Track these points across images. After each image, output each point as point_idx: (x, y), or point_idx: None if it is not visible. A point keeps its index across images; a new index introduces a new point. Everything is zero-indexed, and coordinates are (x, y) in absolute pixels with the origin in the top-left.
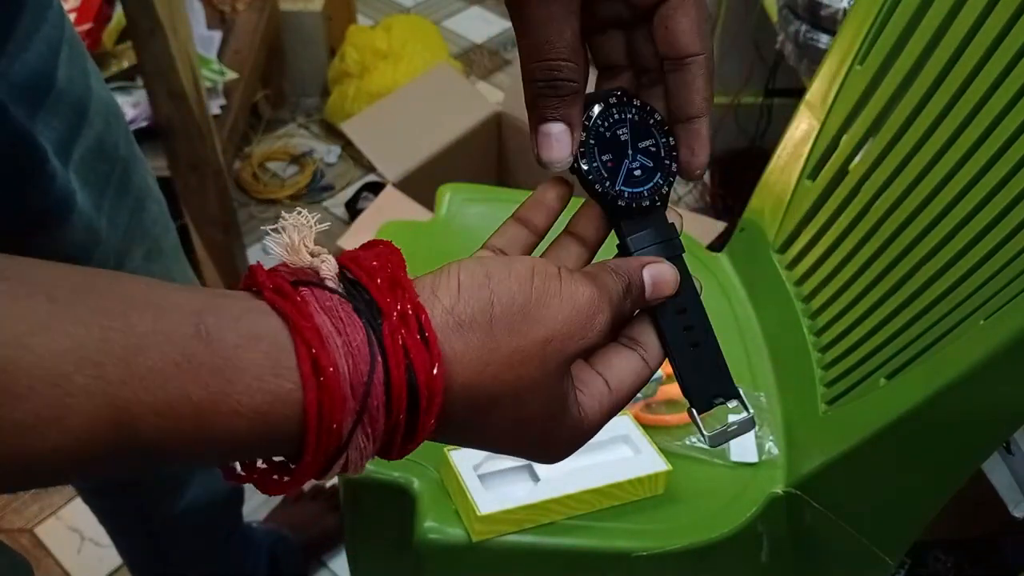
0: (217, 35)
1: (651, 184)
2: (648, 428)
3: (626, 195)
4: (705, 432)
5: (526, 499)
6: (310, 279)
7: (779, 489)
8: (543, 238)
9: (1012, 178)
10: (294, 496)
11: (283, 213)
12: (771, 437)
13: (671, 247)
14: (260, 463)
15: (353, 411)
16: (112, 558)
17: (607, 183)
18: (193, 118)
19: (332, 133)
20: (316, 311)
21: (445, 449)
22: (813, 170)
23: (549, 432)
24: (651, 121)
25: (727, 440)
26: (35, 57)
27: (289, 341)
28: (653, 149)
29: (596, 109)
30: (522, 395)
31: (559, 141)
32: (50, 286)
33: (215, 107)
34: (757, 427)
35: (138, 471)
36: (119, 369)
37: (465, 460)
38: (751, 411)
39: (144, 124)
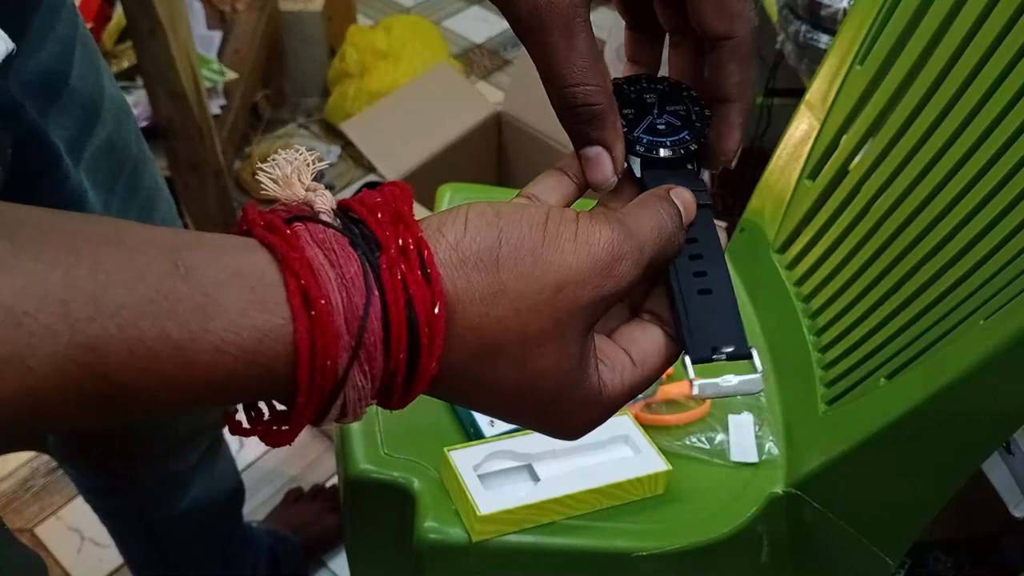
0: (217, 35)
1: (675, 137)
2: (648, 428)
3: (644, 141)
4: (696, 380)
5: (526, 499)
6: (305, 215)
7: (779, 489)
8: (585, 191)
9: (1012, 178)
10: (294, 496)
11: (278, 150)
12: (771, 437)
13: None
14: (263, 408)
15: (348, 346)
16: (112, 558)
17: (625, 129)
18: (193, 118)
19: (332, 133)
20: (307, 243)
21: (445, 449)
22: (813, 170)
23: (562, 397)
24: (684, 94)
25: (718, 394)
26: (49, 56)
27: (278, 275)
28: (682, 112)
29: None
30: (530, 345)
31: (599, 163)
32: (11, 226)
33: (215, 107)
34: (757, 427)
35: (117, 417)
36: (87, 306)
37: (465, 460)
38: (760, 369)
39: (144, 124)
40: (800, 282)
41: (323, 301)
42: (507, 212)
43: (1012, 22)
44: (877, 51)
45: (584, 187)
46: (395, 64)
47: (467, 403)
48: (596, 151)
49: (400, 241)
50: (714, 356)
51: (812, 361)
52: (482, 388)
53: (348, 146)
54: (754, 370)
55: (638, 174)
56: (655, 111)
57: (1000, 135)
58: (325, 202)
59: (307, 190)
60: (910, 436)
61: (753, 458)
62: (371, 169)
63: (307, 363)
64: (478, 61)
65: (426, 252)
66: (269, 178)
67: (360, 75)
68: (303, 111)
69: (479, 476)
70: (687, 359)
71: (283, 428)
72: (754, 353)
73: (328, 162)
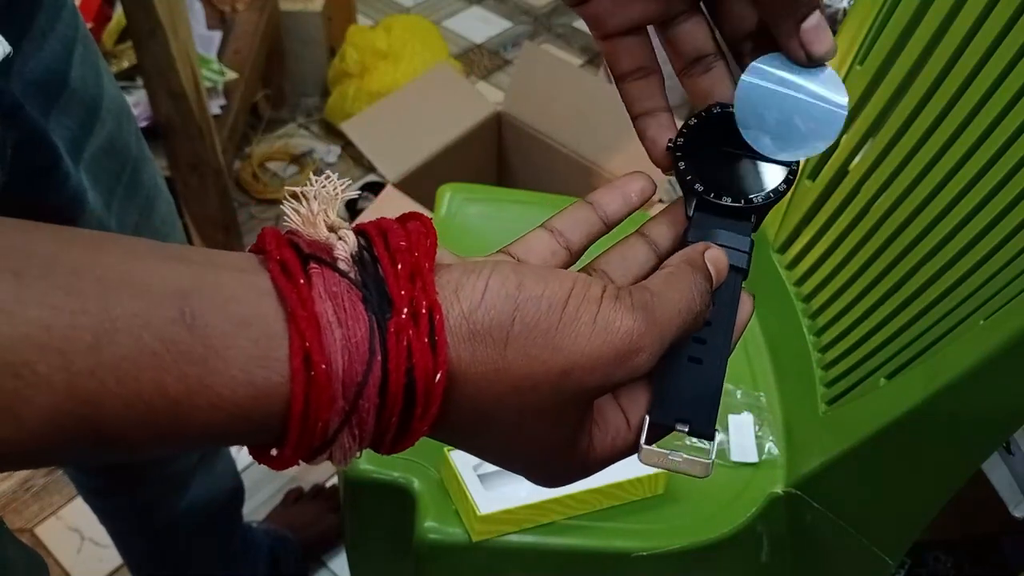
0: (217, 35)
1: (739, 186)
2: None
3: (711, 180)
4: (644, 445)
5: (526, 499)
6: (322, 257)
7: (779, 489)
8: (611, 229)
9: (1012, 178)
10: (294, 496)
11: (311, 176)
12: (771, 437)
13: (733, 256)
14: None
15: (341, 411)
16: (112, 558)
17: (688, 161)
18: (193, 118)
19: (332, 133)
20: (320, 296)
21: (445, 449)
22: (813, 170)
23: (547, 460)
24: None
25: (660, 466)
26: (50, 56)
27: (284, 328)
28: (757, 164)
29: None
30: (525, 421)
31: (819, 31)
32: (18, 259)
33: (215, 107)
34: (757, 428)
35: (96, 460)
36: (88, 358)
37: (465, 460)
38: (712, 459)
39: (144, 124)
40: (800, 282)
41: (324, 365)
42: (529, 285)
43: (1012, 22)
44: (877, 51)
45: (612, 224)
46: (395, 64)
47: (450, 445)
48: (816, 19)
49: (414, 304)
50: (677, 426)
51: (812, 361)
52: (470, 446)
53: (348, 146)
54: (707, 456)
55: (689, 212)
56: (732, 145)
57: (1000, 135)
58: (345, 248)
59: (331, 228)
60: (910, 436)
61: (753, 458)
62: (371, 169)
63: (298, 422)
64: (478, 61)
65: (438, 318)
66: (295, 212)
67: (360, 75)
68: (303, 111)
69: (479, 476)
70: (646, 417)
71: (272, 455)
72: (715, 441)
73: (329, 161)
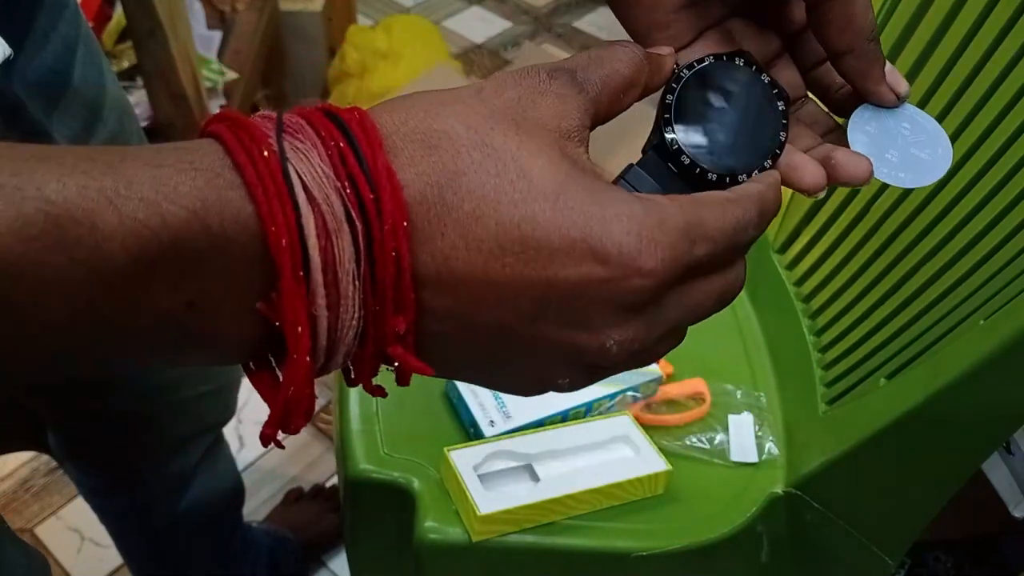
0: (217, 35)
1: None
2: (648, 428)
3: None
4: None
5: (526, 499)
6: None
7: (779, 489)
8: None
9: (1012, 178)
10: (294, 496)
11: None
12: (771, 437)
13: None
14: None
15: (272, 130)
16: (112, 558)
17: (670, 128)
18: (193, 118)
19: None
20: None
21: (445, 449)
22: None
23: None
24: (764, 96)
25: None
26: (52, 56)
27: (220, 149)
28: (756, 126)
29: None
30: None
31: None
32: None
33: (215, 107)
34: (757, 428)
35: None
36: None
37: (465, 460)
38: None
39: (144, 124)
40: (800, 282)
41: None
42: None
43: (1012, 22)
44: None
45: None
46: (395, 64)
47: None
48: (889, 65)
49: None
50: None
51: (812, 361)
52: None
53: None
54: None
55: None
56: (717, 104)
57: (1000, 135)
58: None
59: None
60: (910, 436)
61: (753, 458)
62: None
63: (233, 142)
64: (478, 61)
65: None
66: None
67: (360, 75)
68: None
69: (479, 476)
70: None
71: (294, 360)
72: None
73: None
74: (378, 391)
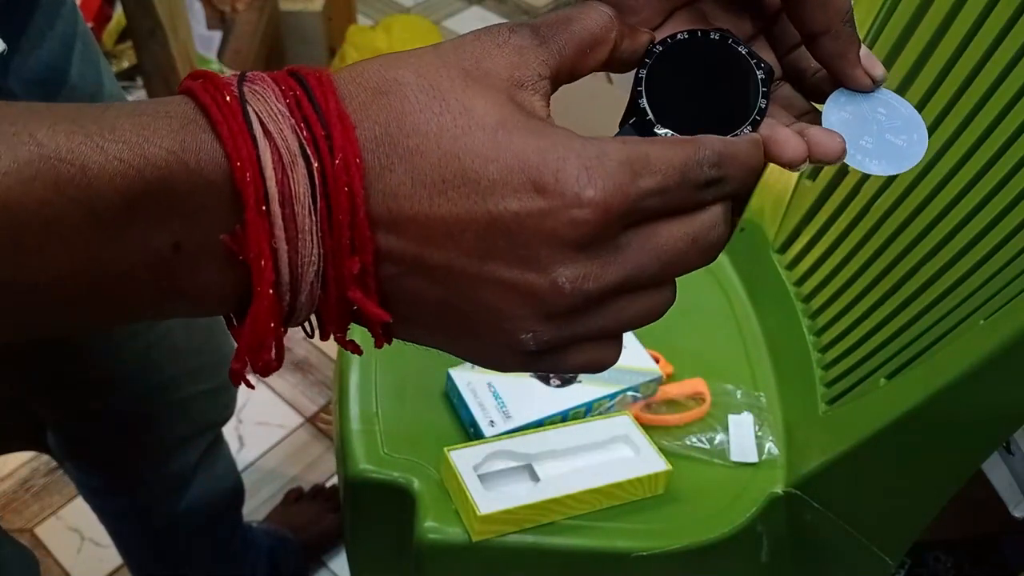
0: (217, 35)
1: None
2: (648, 428)
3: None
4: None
5: (526, 499)
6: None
7: (779, 489)
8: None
9: (1012, 178)
10: (294, 496)
11: None
12: (771, 437)
13: None
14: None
15: (235, 81)
16: (112, 558)
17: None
18: None
19: None
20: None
21: (445, 449)
22: (813, 170)
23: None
24: (742, 66)
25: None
26: (49, 53)
27: (191, 103)
28: (734, 96)
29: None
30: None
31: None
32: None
33: None
34: (757, 428)
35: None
36: None
37: (465, 460)
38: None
39: None
40: (800, 282)
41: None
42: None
43: (1012, 22)
44: (877, 51)
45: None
46: None
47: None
48: (865, 48)
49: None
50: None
51: (812, 361)
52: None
53: None
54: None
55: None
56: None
57: (1000, 135)
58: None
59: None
60: (910, 436)
61: (753, 458)
62: None
63: (203, 94)
64: None
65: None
66: None
67: None
68: None
69: (479, 476)
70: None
71: (258, 293)
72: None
73: None
74: (351, 346)
